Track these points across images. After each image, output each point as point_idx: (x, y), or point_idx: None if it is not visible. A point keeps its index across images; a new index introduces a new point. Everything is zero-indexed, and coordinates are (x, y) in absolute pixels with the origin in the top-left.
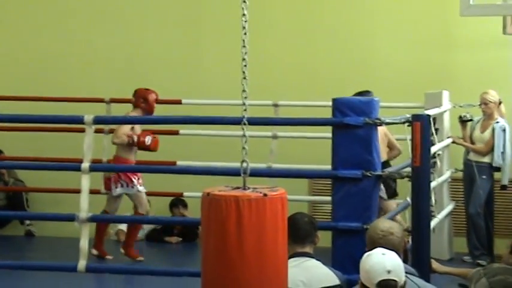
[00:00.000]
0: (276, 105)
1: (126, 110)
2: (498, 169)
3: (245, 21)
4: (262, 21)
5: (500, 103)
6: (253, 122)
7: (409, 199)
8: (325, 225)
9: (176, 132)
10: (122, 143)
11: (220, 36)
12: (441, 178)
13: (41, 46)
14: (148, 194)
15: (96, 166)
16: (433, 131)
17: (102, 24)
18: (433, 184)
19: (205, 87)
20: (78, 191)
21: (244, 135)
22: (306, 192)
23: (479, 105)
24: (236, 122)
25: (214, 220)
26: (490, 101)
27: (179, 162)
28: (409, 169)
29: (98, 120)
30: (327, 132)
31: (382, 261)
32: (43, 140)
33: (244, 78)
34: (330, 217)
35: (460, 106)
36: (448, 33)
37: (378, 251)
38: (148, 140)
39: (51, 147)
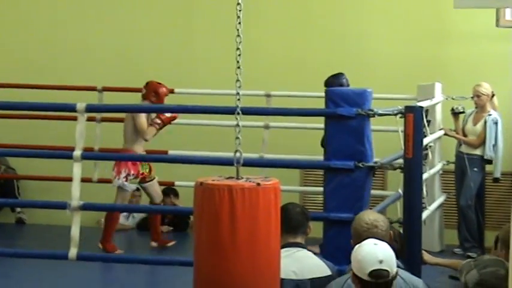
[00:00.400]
0: (268, 96)
1: (118, 98)
2: (490, 162)
3: (239, 11)
4: (255, 11)
5: (493, 96)
6: (247, 111)
7: (400, 191)
8: (317, 216)
9: None
10: (152, 133)
11: (213, 26)
12: (433, 170)
13: (32, 34)
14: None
15: (88, 154)
16: (425, 123)
17: (95, 12)
18: (424, 176)
19: (198, 77)
20: (69, 179)
21: (237, 125)
22: (297, 183)
23: (471, 97)
24: (230, 111)
25: (207, 209)
26: (482, 94)
27: (171, 152)
28: (401, 161)
29: (90, 108)
30: (319, 123)
31: (374, 251)
32: (35, 127)
33: (239, 67)
34: (321, 208)
35: (453, 98)
36: (441, 26)
37: (370, 241)
38: (168, 115)
39: (43, 135)
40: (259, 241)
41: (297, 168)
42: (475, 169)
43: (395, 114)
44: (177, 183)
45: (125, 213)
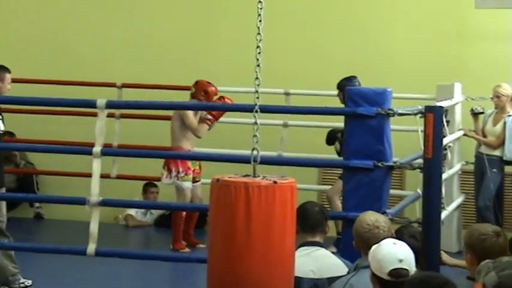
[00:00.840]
0: (287, 94)
1: (137, 95)
2: (509, 162)
3: (260, 8)
4: (275, 9)
5: None
6: (265, 109)
7: (419, 191)
8: (336, 215)
9: None
10: (205, 130)
11: (232, 23)
12: (452, 170)
13: (55, 31)
14: (159, 179)
15: (107, 150)
16: (445, 123)
17: (115, 9)
18: (443, 176)
19: (217, 75)
20: (88, 175)
21: (256, 123)
22: (315, 182)
23: (491, 98)
24: (248, 109)
25: (223, 206)
26: (502, 94)
27: None
28: (420, 160)
29: (110, 105)
30: (338, 121)
31: (393, 250)
32: (55, 123)
33: (258, 65)
34: None
35: (472, 99)
36: (462, 25)
37: (389, 241)
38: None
39: (63, 131)
40: (274, 239)
41: (315, 167)
42: (494, 170)
43: (415, 114)
44: None
45: (143, 210)
